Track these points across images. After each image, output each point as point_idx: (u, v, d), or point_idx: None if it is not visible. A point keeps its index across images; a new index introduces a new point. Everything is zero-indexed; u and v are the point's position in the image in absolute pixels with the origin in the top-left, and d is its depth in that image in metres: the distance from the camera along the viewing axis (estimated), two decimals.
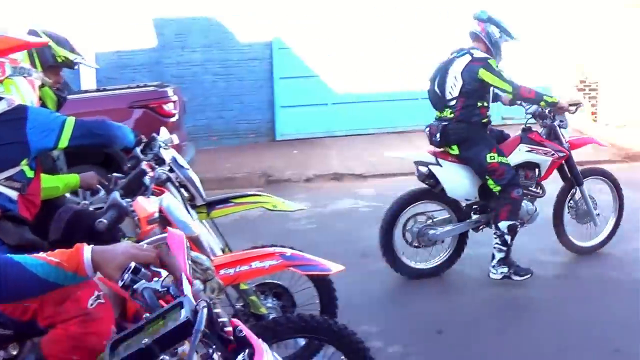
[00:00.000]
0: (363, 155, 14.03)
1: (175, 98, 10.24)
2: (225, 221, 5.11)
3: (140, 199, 3.32)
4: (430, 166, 7.13)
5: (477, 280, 7.36)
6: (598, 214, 7.88)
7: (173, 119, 9.96)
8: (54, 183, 4.58)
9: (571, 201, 7.84)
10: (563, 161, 7.53)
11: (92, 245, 2.37)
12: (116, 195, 3.29)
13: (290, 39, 15.80)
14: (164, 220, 3.47)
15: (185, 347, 2.19)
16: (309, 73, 15.90)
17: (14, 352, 3.50)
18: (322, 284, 5.11)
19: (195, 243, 3.54)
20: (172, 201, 3.60)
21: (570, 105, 7.39)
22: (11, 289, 2.30)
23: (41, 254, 2.29)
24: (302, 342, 4.93)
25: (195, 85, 15.06)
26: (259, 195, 5.26)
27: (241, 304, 4.69)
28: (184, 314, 2.07)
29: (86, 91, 11.59)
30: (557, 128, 7.41)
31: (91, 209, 4.47)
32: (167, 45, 15.49)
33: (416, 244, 7.32)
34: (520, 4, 16.67)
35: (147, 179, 3.83)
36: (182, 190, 4.60)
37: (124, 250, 2.37)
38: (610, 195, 8.16)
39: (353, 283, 6.60)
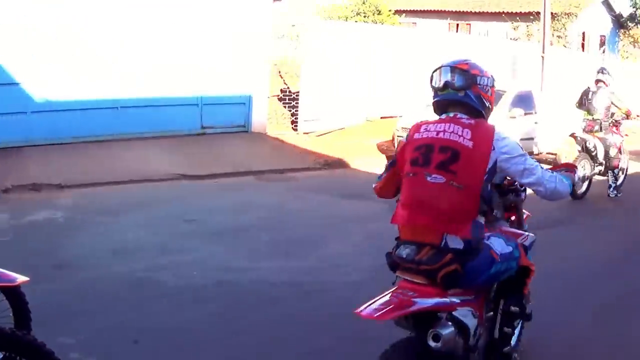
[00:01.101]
0: (62, 165, 13.93)
1: None
2: None
3: None
4: (594, 140, 14.11)
5: (171, 289, 7.73)
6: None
7: None
8: None
9: None
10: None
11: None
12: None
13: None
14: None
15: None
16: (8, 80, 15.52)
17: None
18: (14, 296, 5.20)
19: None
20: None
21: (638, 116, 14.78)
22: None
23: None
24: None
25: None
26: None
27: None
28: None
29: None
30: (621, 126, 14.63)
31: None
32: None
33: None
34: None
35: None
36: None
37: None
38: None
39: (49, 295, 6.78)
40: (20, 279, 4.26)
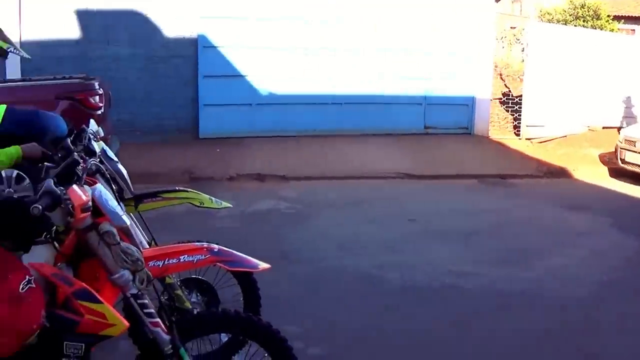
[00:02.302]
0: (285, 157, 14.11)
1: (101, 91, 10.17)
2: (150, 216, 5.10)
3: (75, 187, 3.32)
4: None
5: (397, 287, 7.47)
6: None
7: (99, 112, 9.88)
8: None
9: None
10: None
11: None
12: (50, 182, 3.29)
13: (216, 37, 15.72)
14: (94, 210, 3.47)
15: None
16: (233, 72, 15.86)
17: None
18: (247, 281, 5.13)
19: (126, 234, 3.53)
20: (104, 191, 3.60)
21: None
22: None
23: None
24: (225, 337, 4.99)
25: (119, 79, 14.72)
26: (187, 191, 5.24)
27: (165, 297, 4.71)
28: None
29: (11, 80, 11.36)
30: None
31: (15, 197, 4.44)
32: (93, 38, 15.26)
33: None
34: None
35: (79, 169, 3.83)
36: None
37: None
38: None
39: (275, 283, 6.63)
40: (262, 265, 4.05)
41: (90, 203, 3.37)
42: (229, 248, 4.08)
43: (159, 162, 13.04)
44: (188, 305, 4.81)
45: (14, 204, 4.03)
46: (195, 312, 4.81)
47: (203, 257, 3.90)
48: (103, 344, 3.67)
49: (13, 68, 13.75)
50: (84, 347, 3.51)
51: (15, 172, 9.19)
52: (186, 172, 12.60)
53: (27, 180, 9.59)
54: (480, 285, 7.65)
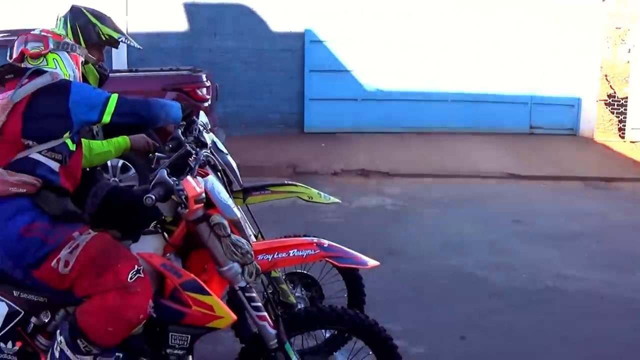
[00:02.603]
0: (390, 154, 14.01)
1: (208, 83, 10.28)
2: (254, 208, 5.08)
3: (189, 178, 3.32)
4: None
5: (500, 289, 7.35)
6: None
7: (206, 104, 9.98)
8: (105, 148, 4.55)
9: None
10: None
11: None
12: (164, 172, 3.29)
13: (323, 32, 15.76)
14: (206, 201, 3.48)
15: None
16: (339, 67, 15.87)
17: (46, 320, 3.58)
18: (353, 278, 5.11)
19: (236, 226, 3.52)
20: (216, 183, 3.59)
21: None
22: None
23: None
24: (328, 333, 4.96)
25: (225, 72, 14.89)
26: (295, 185, 5.22)
27: (270, 291, 4.68)
28: None
29: (118, 71, 11.53)
30: None
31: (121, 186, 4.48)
32: (199, 31, 15.51)
33: None
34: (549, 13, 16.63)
35: (191, 161, 3.84)
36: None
37: None
38: None
39: (378, 280, 6.55)
40: (371, 262, 4.00)
41: (203, 194, 3.36)
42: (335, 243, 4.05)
43: (263, 156, 13.15)
44: (292, 299, 4.78)
45: (125, 193, 4.05)
46: (299, 306, 4.81)
47: (313, 252, 3.89)
48: (206, 336, 3.69)
49: (120, 59, 13.99)
50: (189, 338, 3.57)
51: (121, 161, 9.45)
52: (290, 165, 12.66)
53: (133, 170, 9.78)
54: (583, 289, 7.43)
